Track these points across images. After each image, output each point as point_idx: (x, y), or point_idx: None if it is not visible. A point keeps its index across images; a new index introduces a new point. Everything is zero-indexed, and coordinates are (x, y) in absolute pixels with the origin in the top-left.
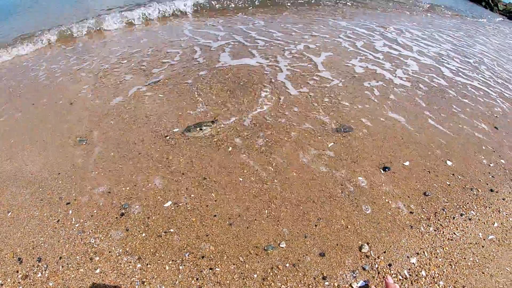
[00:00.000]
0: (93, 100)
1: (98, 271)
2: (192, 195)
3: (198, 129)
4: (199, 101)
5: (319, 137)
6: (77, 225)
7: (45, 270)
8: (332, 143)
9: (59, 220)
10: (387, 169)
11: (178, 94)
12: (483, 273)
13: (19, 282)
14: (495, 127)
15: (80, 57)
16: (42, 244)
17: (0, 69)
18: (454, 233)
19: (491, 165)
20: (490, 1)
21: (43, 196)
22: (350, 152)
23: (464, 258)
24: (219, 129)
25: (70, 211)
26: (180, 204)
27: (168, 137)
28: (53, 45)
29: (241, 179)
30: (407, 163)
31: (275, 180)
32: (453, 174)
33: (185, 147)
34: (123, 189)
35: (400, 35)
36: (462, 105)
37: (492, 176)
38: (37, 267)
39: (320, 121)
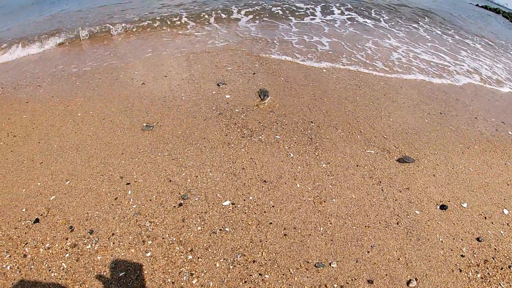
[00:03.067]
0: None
1: (149, 254)
2: (251, 198)
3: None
4: None
5: (380, 164)
6: (134, 206)
7: (95, 243)
8: (394, 171)
9: (117, 197)
10: (444, 207)
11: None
12: None
13: (66, 249)
14: None
15: None
16: (96, 218)
17: None
18: (499, 283)
19: None
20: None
21: (104, 172)
22: (409, 183)
23: None
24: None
25: (129, 192)
26: (238, 206)
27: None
28: None
29: (298, 186)
30: (465, 205)
31: (333, 199)
32: (507, 224)
33: (247, 144)
34: (185, 179)
35: None
36: None
37: None
38: (87, 238)
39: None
